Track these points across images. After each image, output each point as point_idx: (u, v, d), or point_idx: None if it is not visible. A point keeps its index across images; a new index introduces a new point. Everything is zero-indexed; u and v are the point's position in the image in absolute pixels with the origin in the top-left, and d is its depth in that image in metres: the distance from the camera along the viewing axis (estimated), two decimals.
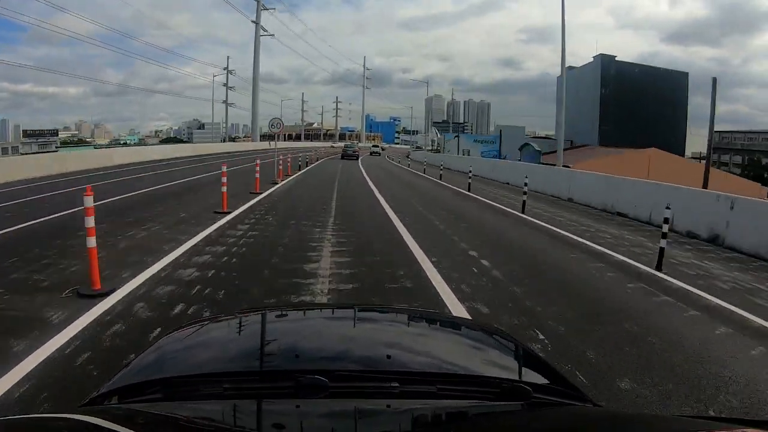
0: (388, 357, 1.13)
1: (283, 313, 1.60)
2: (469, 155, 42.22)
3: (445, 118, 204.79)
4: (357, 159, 35.90)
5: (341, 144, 53.70)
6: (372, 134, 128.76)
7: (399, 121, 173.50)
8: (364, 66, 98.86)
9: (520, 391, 0.98)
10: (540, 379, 1.13)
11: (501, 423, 0.95)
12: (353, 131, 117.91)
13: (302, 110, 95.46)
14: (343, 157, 36.23)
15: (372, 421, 0.94)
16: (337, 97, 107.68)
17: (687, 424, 1.04)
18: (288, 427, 0.91)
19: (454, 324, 1.74)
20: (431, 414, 0.95)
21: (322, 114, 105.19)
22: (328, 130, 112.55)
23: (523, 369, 1.24)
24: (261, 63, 48.94)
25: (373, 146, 65.31)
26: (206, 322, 1.52)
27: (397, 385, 0.95)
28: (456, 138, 53.98)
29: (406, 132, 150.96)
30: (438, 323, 1.65)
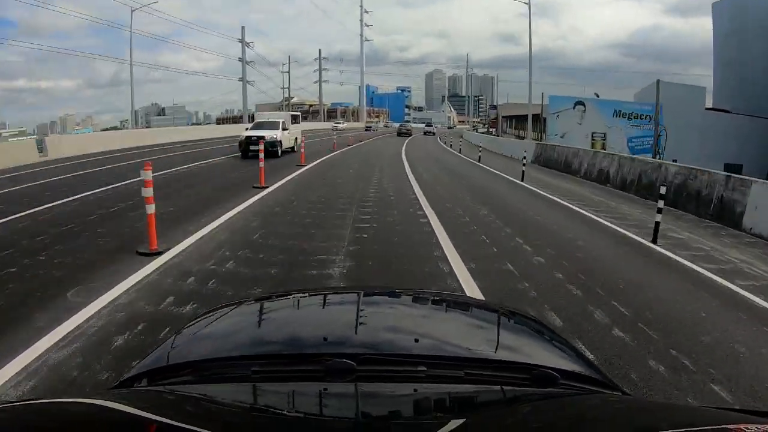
0: (416, 341, 1.11)
1: (310, 297, 1.63)
2: (604, 141, 24.31)
3: (445, 94, 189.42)
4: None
5: (343, 124, 49.54)
6: (375, 109, 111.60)
7: (409, 92, 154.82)
8: (361, 17, 75.93)
9: (548, 377, 0.97)
10: (568, 366, 1.11)
11: (529, 409, 0.94)
12: (348, 106, 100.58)
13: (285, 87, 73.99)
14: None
15: (399, 405, 0.94)
16: (320, 51, 77.03)
17: (719, 416, 1.00)
18: (315, 410, 0.93)
19: (481, 308, 1.70)
20: (459, 399, 0.95)
21: (320, 84, 72.41)
22: (311, 106, 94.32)
23: (551, 355, 1.23)
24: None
25: (427, 125, 62.18)
26: (234, 306, 1.47)
27: (424, 369, 0.95)
28: (578, 108, 25.84)
29: (408, 107, 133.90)
30: (465, 307, 1.60)
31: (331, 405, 0.94)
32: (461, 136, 36.22)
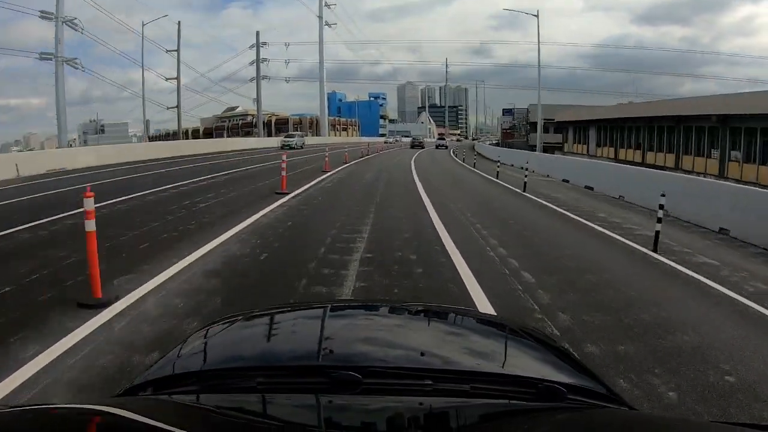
0: (422, 354, 1.11)
1: (316, 309, 1.63)
2: None
3: (420, 105, 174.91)
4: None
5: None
6: (342, 120, 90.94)
7: (384, 100, 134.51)
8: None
9: (554, 391, 0.96)
10: (575, 380, 1.09)
11: (535, 424, 0.93)
12: (306, 117, 78.95)
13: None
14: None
15: (405, 419, 0.91)
16: (258, 33, 49.75)
17: (725, 431, 1.01)
18: (321, 422, 0.92)
19: (488, 322, 1.71)
20: (464, 413, 0.95)
21: (258, 81, 48.61)
22: (273, 116, 72.84)
23: (558, 369, 1.19)
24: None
25: (439, 138, 60.60)
26: (240, 318, 1.43)
27: (430, 382, 0.94)
28: None
29: (384, 117, 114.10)
30: (472, 321, 1.57)
31: (336, 417, 0.94)
32: (474, 150, 31.97)
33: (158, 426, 0.80)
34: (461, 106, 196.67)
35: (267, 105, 64.78)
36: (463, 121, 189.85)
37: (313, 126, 69.38)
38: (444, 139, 61.01)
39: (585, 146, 37.83)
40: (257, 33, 55.17)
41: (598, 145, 35.90)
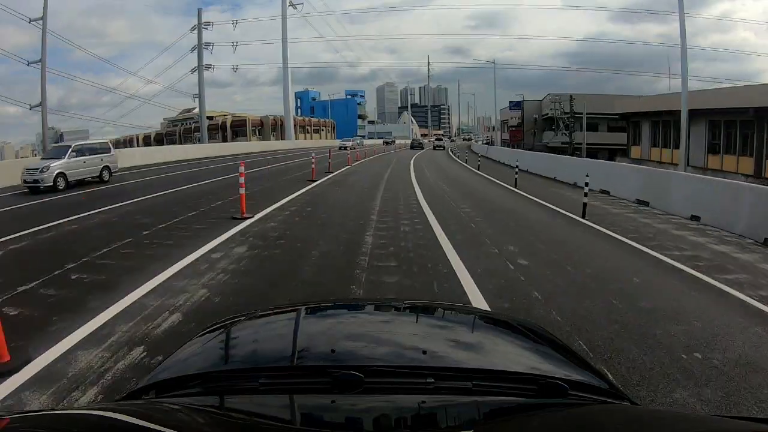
0: (424, 353, 1.09)
1: (317, 309, 1.58)
2: None
3: (400, 105, 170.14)
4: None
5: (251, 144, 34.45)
6: (315, 120, 78.30)
7: (362, 98, 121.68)
8: None
9: (556, 388, 0.96)
10: (577, 376, 1.09)
11: (537, 420, 0.92)
12: (269, 118, 65.79)
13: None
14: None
15: (407, 417, 0.92)
16: (199, 10, 42.61)
17: (728, 425, 1.00)
18: (324, 422, 0.92)
19: (489, 319, 1.67)
20: (467, 410, 0.94)
21: (200, 70, 40.39)
22: (236, 119, 59.27)
23: (560, 365, 1.19)
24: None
25: (437, 139, 57.97)
26: (242, 319, 1.44)
27: (432, 381, 0.94)
28: None
29: (362, 117, 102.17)
30: (473, 318, 1.57)
31: (339, 417, 0.93)
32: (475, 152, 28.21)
33: (163, 429, 0.79)
34: (444, 105, 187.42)
35: (243, 108, 52.45)
36: (446, 120, 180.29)
37: (276, 128, 57.07)
38: (441, 139, 59.93)
39: (674, 151, 24.00)
40: (199, 11, 42.49)
41: (712, 151, 22.80)
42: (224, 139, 56.92)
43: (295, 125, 62.56)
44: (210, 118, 56.09)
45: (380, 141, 63.39)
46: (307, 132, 67.15)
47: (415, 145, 47.33)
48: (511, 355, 1.20)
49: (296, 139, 54.47)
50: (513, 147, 38.13)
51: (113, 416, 0.88)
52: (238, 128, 58.15)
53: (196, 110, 56.60)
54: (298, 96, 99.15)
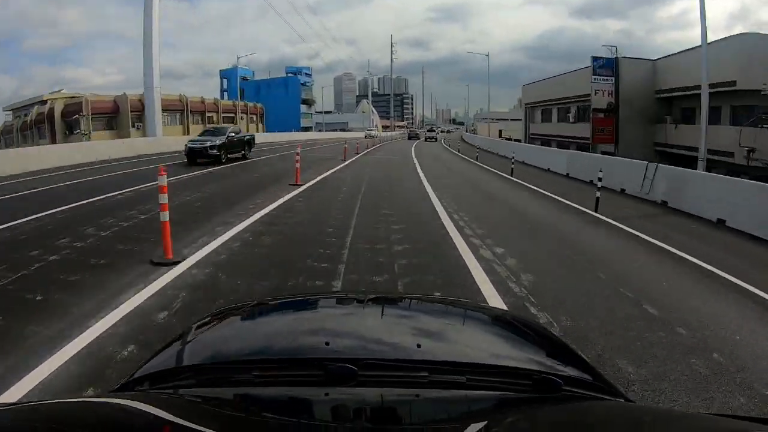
0: (418, 346, 1.09)
1: (311, 301, 1.59)
2: None
3: (359, 94, 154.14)
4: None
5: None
6: (228, 104, 51.91)
7: (309, 77, 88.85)
8: None
9: (550, 383, 0.96)
10: (571, 372, 1.08)
11: (531, 415, 0.93)
12: (128, 98, 38.90)
13: None
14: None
15: (401, 410, 0.93)
16: None
17: (724, 424, 0.99)
18: (317, 415, 0.92)
19: (484, 313, 1.66)
20: (460, 404, 0.94)
21: None
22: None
23: (554, 360, 1.17)
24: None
25: (428, 131, 57.77)
26: (235, 310, 1.45)
27: (426, 374, 0.94)
28: None
29: (308, 103, 76.96)
30: (468, 312, 1.56)
31: (332, 410, 0.93)
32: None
33: (156, 422, 0.80)
34: (406, 93, 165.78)
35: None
36: (410, 111, 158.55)
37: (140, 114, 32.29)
38: (434, 131, 60.39)
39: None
40: None
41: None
42: (52, 137, 31.55)
43: (189, 111, 37.23)
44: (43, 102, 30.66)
45: (332, 134, 57.13)
46: (213, 122, 42.08)
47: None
48: (505, 350, 1.20)
49: (187, 135, 30.28)
50: (590, 151, 22.02)
51: (107, 407, 0.88)
52: (71, 115, 32.60)
53: (62, 90, 31.42)
54: (225, 76, 71.95)
